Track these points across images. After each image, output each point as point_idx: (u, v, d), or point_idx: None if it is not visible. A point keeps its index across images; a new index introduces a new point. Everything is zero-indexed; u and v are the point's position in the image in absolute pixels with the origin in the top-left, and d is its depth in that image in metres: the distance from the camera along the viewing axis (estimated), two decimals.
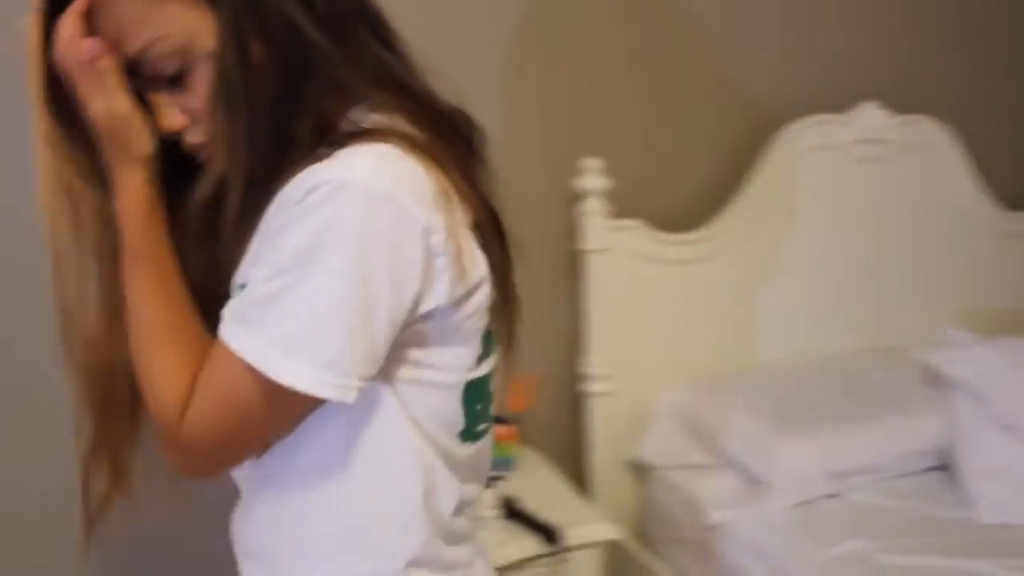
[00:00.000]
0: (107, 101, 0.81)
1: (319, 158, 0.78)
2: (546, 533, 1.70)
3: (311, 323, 0.75)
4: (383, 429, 0.84)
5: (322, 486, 0.85)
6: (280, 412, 0.81)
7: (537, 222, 2.04)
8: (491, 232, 0.87)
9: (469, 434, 0.91)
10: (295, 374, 0.75)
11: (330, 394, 0.76)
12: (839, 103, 2.23)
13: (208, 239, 0.85)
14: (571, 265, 2.08)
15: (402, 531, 0.86)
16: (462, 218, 0.81)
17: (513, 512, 1.74)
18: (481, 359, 0.89)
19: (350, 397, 0.77)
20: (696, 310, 2.15)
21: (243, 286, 0.79)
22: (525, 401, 1.91)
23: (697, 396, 2.08)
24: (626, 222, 2.06)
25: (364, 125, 0.83)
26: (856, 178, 2.26)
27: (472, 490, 0.94)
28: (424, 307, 0.80)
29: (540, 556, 1.70)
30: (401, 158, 0.78)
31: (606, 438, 2.09)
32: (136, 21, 0.79)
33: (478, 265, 0.84)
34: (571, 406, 2.13)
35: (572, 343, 2.10)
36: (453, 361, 0.86)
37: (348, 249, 0.74)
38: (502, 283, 0.89)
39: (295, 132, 0.81)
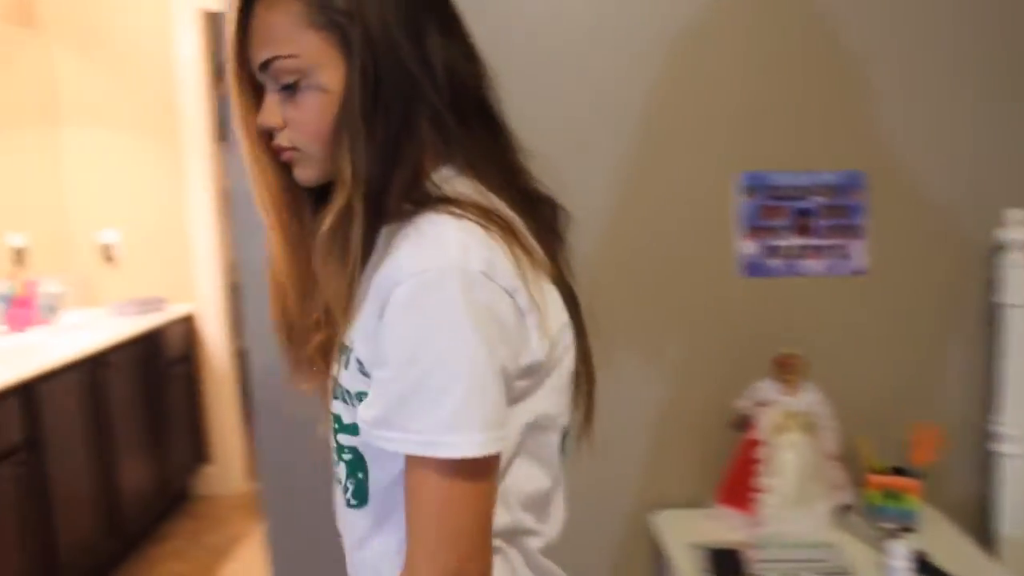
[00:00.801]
0: None
1: (403, 213, 0.89)
2: None
3: (461, 396, 0.82)
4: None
5: None
6: (471, 489, 0.85)
7: (952, 271, 2.00)
8: (567, 300, 0.98)
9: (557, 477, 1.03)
10: (467, 444, 0.82)
11: (494, 448, 0.84)
12: None
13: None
14: (986, 317, 2.01)
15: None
16: (537, 278, 0.91)
17: (926, 567, 1.71)
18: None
19: (505, 447, 0.89)
20: None
21: (350, 348, 0.92)
22: (930, 454, 1.89)
23: None
24: None
25: (446, 189, 0.92)
26: None
27: (554, 529, 1.03)
28: (523, 361, 0.89)
29: None
30: (481, 233, 0.86)
31: (1016, 501, 1.99)
32: (282, 35, 0.92)
33: (559, 316, 0.95)
34: (978, 464, 2.05)
35: (983, 398, 2.03)
36: (551, 410, 0.96)
37: (464, 327, 0.82)
38: (580, 350, 1.00)
39: (393, 179, 0.90)
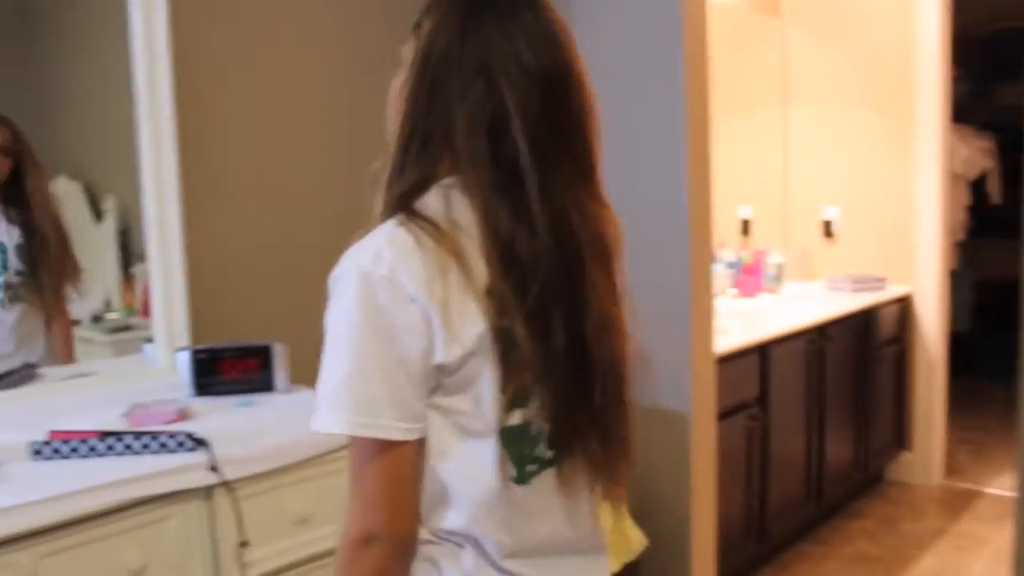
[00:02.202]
0: None
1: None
2: None
3: (341, 379, 0.98)
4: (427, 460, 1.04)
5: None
6: (376, 464, 1.00)
7: None
8: (531, 317, 1.00)
9: (520, 478, 1.05)
10: (335, 422, 0.98)
11: (362, 432, 0.98)
12: None
13: None
14: None
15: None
16: (463, 292, 0.98)
17: None
18: (513, 409, 1.02)
19: (381, 434, 0.98)
20: None
21: None
22: None
23: None
24: None
25: (428, 207, 1.02)
26: None
27: (534, 533, 1.07)
28: (435, 360, 0.98)
29: None
30: (409, 245, 0.98)
31: None
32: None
33: (474, 326, 0.98)
34: None
35: None
36: (472, 412, 1.01)
37: (354, 320, 0.98)
38: (531, 365, 1.01)
39: (392, 184, 1.03)
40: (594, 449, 1.09)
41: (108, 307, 2.33)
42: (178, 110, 2.15)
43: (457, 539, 1.06)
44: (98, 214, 2.30)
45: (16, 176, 2.09)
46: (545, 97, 1.00)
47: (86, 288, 2.25)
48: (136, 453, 1.74)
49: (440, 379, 1.01)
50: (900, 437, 4.07)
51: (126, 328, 2.33)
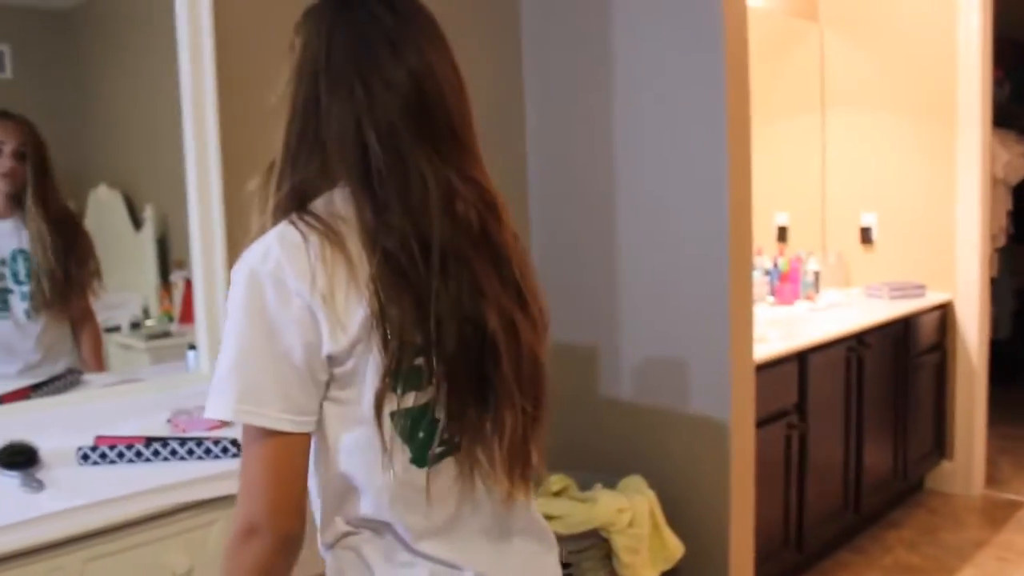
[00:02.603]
0: None
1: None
2: None
3: (227, 368, 1.04)
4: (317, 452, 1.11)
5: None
6: (260, 451, 1.05)
7: None
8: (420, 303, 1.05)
9: (420, 460, 1.09)
10: (220, 408, 1.04)
11: (245, 418, 1.03)
12: None
13: None
14: None
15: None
16: (347, 283, 1.04)
17: None
18: (404, 392, 1.06)
19: (262, 423, 1.03)
20: None
21: None
22: None
23: None
24: None
25: (318, 207, 1.08)
26: None
27: (443, 513, 1.12)
28: (323, 352, 1.04)
29: None
30: (296, 242, 1.04)
31: None
32: None
33: (356, 314, 1.04)
34: None
35: None
36: (365, 396, 1.06)
37: (240, 313, 1.04)
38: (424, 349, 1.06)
39: (280, 187, 1.10)
40: (490, 437, 1.11)
41: (146, 314, 2.36)
42: (222, 120, 2.17)
43: (372, 525, 1.12)
44: (137, 222, 2.33)
45: (34, 182, 2.07)
46: (406, 99, 1.07)
47: (120, 299, 2.27)
48: (181, 458, 1.76)
49: (331, 370, 1.06)
50: (940, 446, 4.01)
51: (164, 335, 2.36)
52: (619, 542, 2.38)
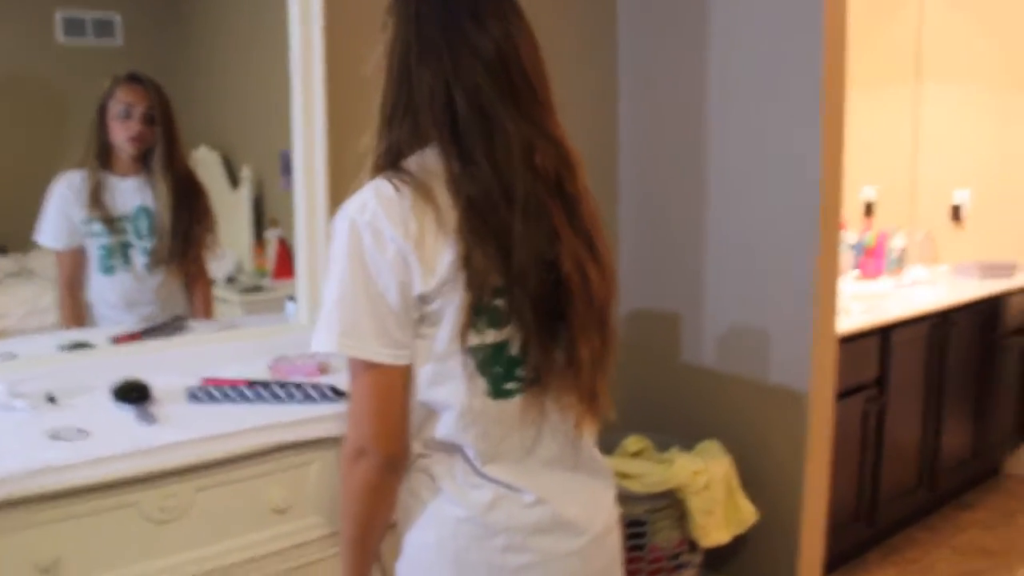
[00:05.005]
0: None
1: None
2: None
3: (330, 306, 1.17)
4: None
5: None
6: (364, 383, 1.19)
7: None
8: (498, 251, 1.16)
9: (495, 392, 1.21)
10: (324, 342, 1.18)
11: (348, 351, 1.17)
12: None
13: None
14: None
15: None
16: (436, 232, 1.16)
17: None
18: (484, 329, 1.18)
19: (364, 355, 1.17)
20: None
21: None
22: None
23: None
24: None
25: (411, 164, 1.20)
26: None
27: (511, 442, 1.23)
28: (416, 291, 1.16)
29: None
30: (391, 195, 1.16)
31: None
32: None
33: (445, 257, 1.15)
34: None
35: None
36: (450, 332, 1.17)
37: (342, 258, 1.17)
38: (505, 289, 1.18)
39: (378, 147, 1.22)
40: (564, 371, 1.22)
41: (240, 269, 2.47)
42: (329, 78, 2.22)
43: (445, 447, 1.23)
44: (234, 182, 2.44)
45: (161, 144, 2.15)
46: (489, 63, 1.18)
47: (220, 252, 2.37)
48: (282, 401, 1.86)
49: (422, 308, 1.18)
50: (1021, 429, 3.94)
51: (257, 289, 2.47)
52: (694, 504, 2.42)
